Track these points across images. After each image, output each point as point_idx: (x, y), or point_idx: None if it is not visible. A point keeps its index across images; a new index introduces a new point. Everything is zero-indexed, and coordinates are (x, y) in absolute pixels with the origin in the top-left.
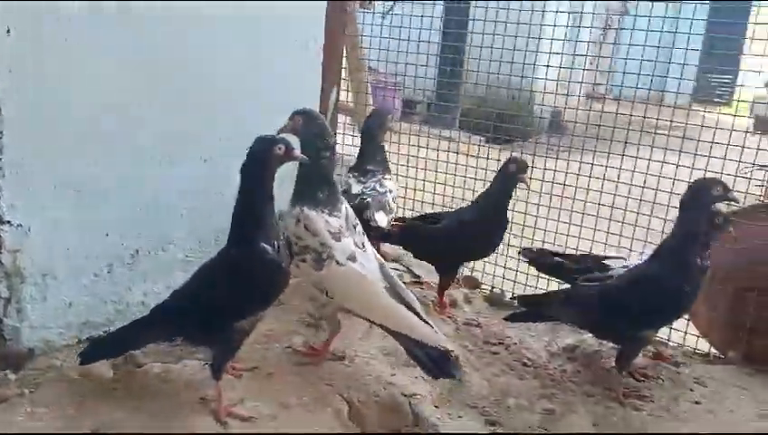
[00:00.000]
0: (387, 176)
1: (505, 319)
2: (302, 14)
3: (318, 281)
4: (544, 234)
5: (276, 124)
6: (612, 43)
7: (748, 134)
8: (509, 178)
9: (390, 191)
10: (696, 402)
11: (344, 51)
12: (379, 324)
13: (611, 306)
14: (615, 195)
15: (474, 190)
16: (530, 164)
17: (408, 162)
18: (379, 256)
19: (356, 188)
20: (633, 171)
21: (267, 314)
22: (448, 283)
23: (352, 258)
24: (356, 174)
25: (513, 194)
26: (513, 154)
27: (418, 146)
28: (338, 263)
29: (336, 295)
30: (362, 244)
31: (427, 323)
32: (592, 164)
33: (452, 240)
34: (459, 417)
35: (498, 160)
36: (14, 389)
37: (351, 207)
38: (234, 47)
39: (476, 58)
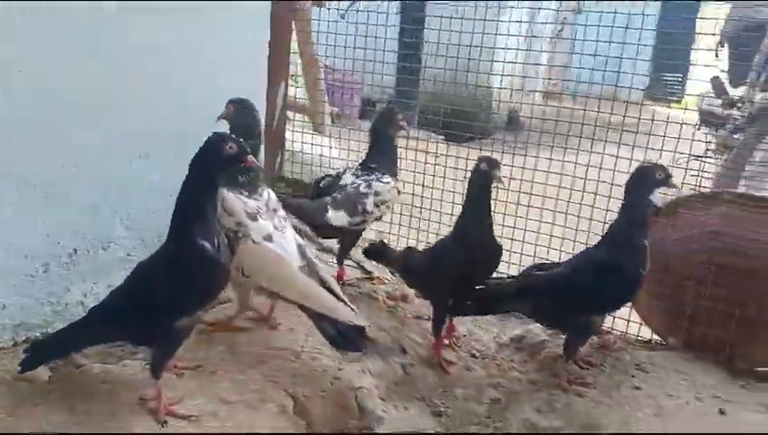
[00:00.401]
0: (385, 178)
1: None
2: (246, 10)
3: (234, 259)
4: (502, 229)
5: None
6: (558, 38)
7: (694, 127)
8: (483, 177)
9: (377, 194)
10: (637, 388)
11: (296, 48)
12: (294, 302)
13: (560, 293)
14: (572, 189)
15: (433, 188)
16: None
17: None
18: (299, 238)
19: (345, 180)
20: (588, 166)
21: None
22: (441, 315)
23: (268, 238)
24: (359, 168)
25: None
26: (483, 153)
27: None
28: (253, 241)
29: (251, 274)
30: (282, 227)
31: (343, 301)
32: (548, 159)
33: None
34: (405, 409)
35: (458, 158)
36: None
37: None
38: (175, 42)
39: (434, 55)
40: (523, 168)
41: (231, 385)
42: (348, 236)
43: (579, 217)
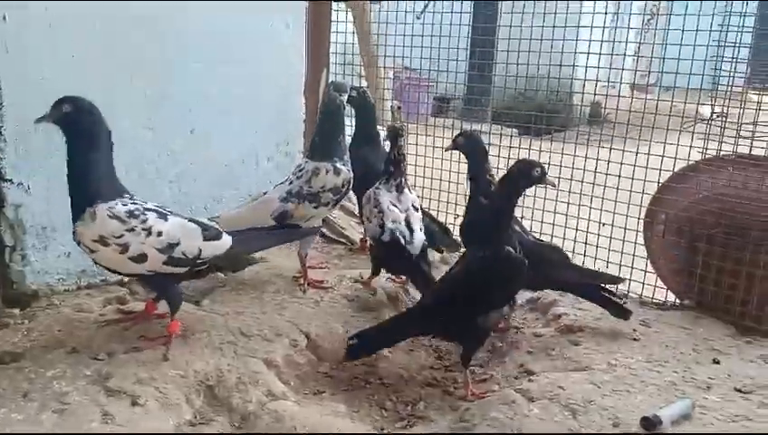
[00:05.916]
0: None
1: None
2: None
3: None
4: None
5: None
6: (648, 28)
7: None
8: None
9: None
10: (634, 339)
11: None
12: None
13: (448, 305)
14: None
15: None
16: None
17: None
18: None
19: None
20: (675, 158)
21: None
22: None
23: None
24: None
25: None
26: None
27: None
28: None
29: None
30: None
31: None
32: (631, 151)
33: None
34: (411, 351)
35: (538, 151)
36: (17, 319)
37: None
38: (217, 26)
39: (506, 50)
40: (608, 161)
41: (252, 322)
42: None
43: None
